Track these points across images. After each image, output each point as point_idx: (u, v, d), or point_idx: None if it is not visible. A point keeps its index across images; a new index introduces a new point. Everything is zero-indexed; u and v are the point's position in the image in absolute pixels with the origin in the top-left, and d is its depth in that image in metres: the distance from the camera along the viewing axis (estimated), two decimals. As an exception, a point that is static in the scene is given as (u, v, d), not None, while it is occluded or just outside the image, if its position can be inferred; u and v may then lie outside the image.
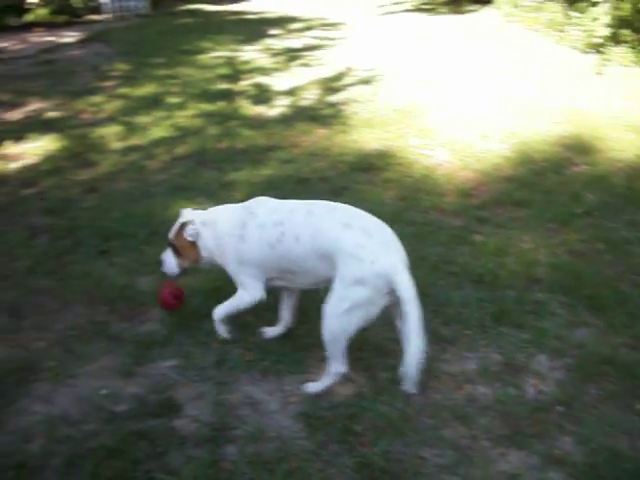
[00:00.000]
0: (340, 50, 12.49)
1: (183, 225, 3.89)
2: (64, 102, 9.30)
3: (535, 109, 8.36)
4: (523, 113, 8.20)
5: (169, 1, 21.17)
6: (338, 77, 10.28)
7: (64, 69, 11.46)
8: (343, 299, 3.39)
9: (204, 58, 11.87)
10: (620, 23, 10.61)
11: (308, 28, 15.34)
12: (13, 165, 7.00)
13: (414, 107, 8.48)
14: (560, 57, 11.37)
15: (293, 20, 16.55)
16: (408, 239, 5.02)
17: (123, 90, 9.78)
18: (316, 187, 6.08)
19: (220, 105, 8.78)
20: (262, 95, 9.34)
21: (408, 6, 18.82)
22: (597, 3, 10.91)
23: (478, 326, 4.17)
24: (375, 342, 4.00)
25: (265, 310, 4.08)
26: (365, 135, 7.49)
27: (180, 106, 8.80)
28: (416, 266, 4.65)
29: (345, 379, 3.70)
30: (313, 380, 3.70)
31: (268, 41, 13.61)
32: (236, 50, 12.65)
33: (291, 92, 9.48)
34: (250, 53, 12.38)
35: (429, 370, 3.75)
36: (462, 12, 17.05)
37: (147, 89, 9.77)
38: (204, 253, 3.91)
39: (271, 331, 4.07)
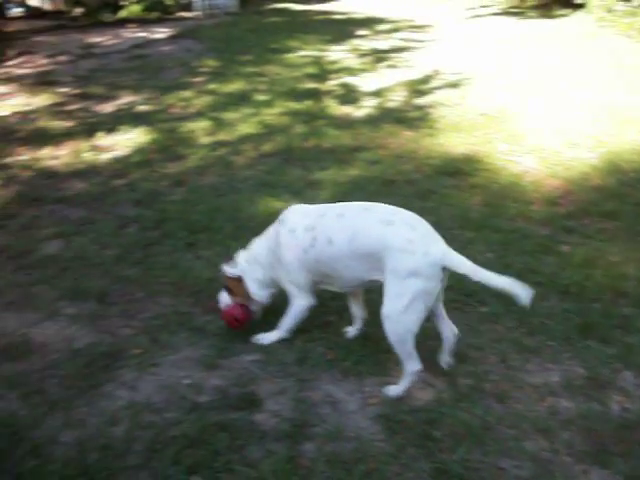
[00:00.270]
0: (428, 52, 12.40)
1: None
2: (154, 96, 9.52)
3: (626, 118, 8.10)
4: (613, 122, 7.97)
5: (257, 0, 21.41)
6: (425, 80, 10.20)
7: (155, 64, 11.71)
8: (401, 295, 3.40)
9: (292, 57, 11.96)
10: None
11: (395, 30, 15.29)
12: (105, 156, 7.19)
13: (502, 112, 8.35)
14: (655, 65, 11.03)
15: (380, 21, 16.52)
16: (493, 246, 5.02)
17: (212, 86, 9.94)
18: (402, 190, 6.04)
19: (307, 104, 8.83)
20: (349, 95, 9.36)
21: (496, 9, 18.53)
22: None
23: (563, 338, 4.07)
24: (458, 348, 3.94)
25: (346, 310, 4.09)
26: (452, 139, 7.42)
27: (267, 104, 8.88)
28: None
29: (425, 384, 3.68)
30: (393, 383, 3.68)
31: (355, 41, 13.61)
32: (323, 50, 12.70)
33: (378, 93, 9.46)
34: (337, 53, 12.41)
35: (511, 380, 3.70)
36: (552, 16, 16.65)
37: (235, 86, 9.90)
38: (253, 288, 4.04)
39: (352, 330, 4.07)
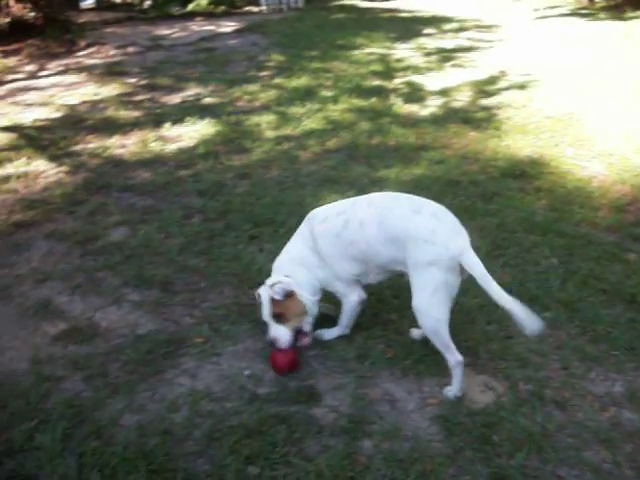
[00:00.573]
0: (494, 53, 12.25)
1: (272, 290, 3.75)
2: (220, 89, 9.61)
3: (700, 125, 7.89)
4: (686, 129, 7.77)
5: (323, -4, 21.47)
6: (492, 80, 10.08)
7: (221, 57, 11.82)
8: (424, 286, 3.46)
9: (358, 54, 11.95)
10: None
11: (462, 29, 15.15)
12: (171, 147, 7.28)
13: (570, 115, 8.20)
14: None
15: (447, 20, 16.40)
16: (558, 251, 4.95)
17: (278, 81, 9.99)
18: (466, 190, 5.99)
19: (372, 101, 8.80)
20: (414, 94, 9.30)
21: (564, 10, 18.17)
22: None
23: (627, 348, 3.97)
24: (518, 352, 3.90)
25: (408, 308, 4.06)
26: (518, 141, 7.31)
27: (333, 100, 8.88)
28: (565, 279, 4.58)
29: (485, 387, 3.64)
30: (451, 384, 3.66)
31: (421, 40, 13.54)
32: (389, 47, 12.67)
33: (443, 92, 9.39)
34: (403, 51, 12.36)
35: (573, 387, 3.64)
36: (624, 18, 16.24)
37: (301, 81, 9.93)
38: (307, 296, 3.82)
39: (417, 332, 4.02)
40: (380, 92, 9.26)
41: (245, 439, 3.27)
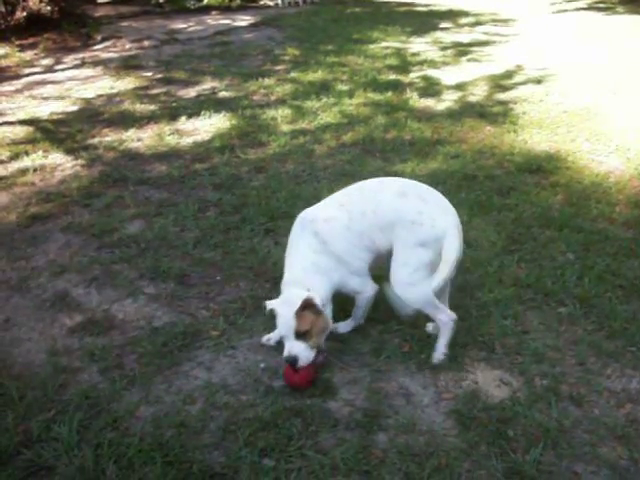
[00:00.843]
0: (511, 47, 12.18)
1: (306, 306, 3.49)
2: (236, 83, 9.61)
3: None
4: None
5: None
6: (508, 75, 10.04)
7: (237, 51, 11.82)
8: (406, 264, 3.56)
9: (373, 48, 11.91)
10: None
11: (478, 23, 15.08)
12: (187, 140, 7.30)
13: (587, 110, 8.16)
14: None
15: (463, 14, 16.33)
16: (574, 246, 4.93)
17: (293, 74, 9.98)
18: (482, 185, 5.97)
19: (388, 95, 8.77)
20: (430, 88, 9.27)
21: (581, 4, 18.02)
22: None
23: (644, 344, 3.97)
24: (534, 347, 3.90)
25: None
26: (534, 136, 7.28)
27: (349, 94, 8.86)
28: (581, 275, 4.56)
29: (500, 382, 3.64)
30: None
31: (437, 34, 13.49)
32: (405, 41, 12.63)
33: (460, 87, 9.35)
34: (419, 45, 12.32)
35: (589, 383, 3.63)
36: (642, 12, 16.17)
37: (317, 75, 9.92)
38: (329, 309, 3.71)
39: (432, 327, 4.02)
40: (396, 86, 9.23)
41: (260, 432, 3.28)
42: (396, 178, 3.94)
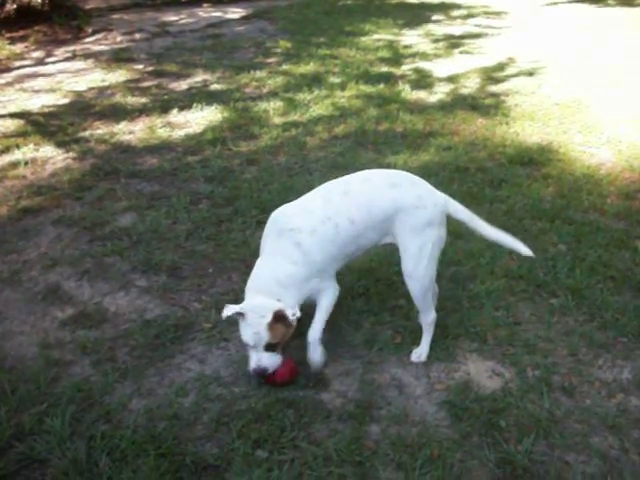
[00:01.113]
0: (503, 39, 12.16)
1: (278, 318, 3.35)
2: (228, 75, 9.57)
3: None
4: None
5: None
6: (500, 67, 10.03)
7: (229, 44, 11.76)
8: (422, 247, 3.54)
9: (365, 40, 11.87)
10: None
11: (470, 15, 15.03)
12: (178, 133, 7.28)
13: (578, 102, 8.17)
14: None
15: (455, 6, 16.26)
16: (566, 238, 4.96)
17: (285, 67, 9.95)
18: (474, 177, 5.99)
19: (380, 88, 8.76)
20: (423, 80, 9.26)
21: (574, -4, 18.05)
22: None
23: (635, 334, 3.99)
24: (526, 338, 3.93)
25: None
26: (526, 128, 7.29)
27: (340, 86, 8.84)
28: (573, 266, 4.58)
29: (492, 373, 3.66)
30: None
31: (429, 26, 13.44)
32: (397, 34, 12.59)
33: (452, 79, 9.34)
34: (411, 38, 12.28)
35: (580, 374, 3.66)
36: (633, 5, 16.01)
37: (308, 67, 9.89)
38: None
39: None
40: (388, 78, 9.22)
41: (253, 423, 3.30)
42: (371, 171, 3.84)
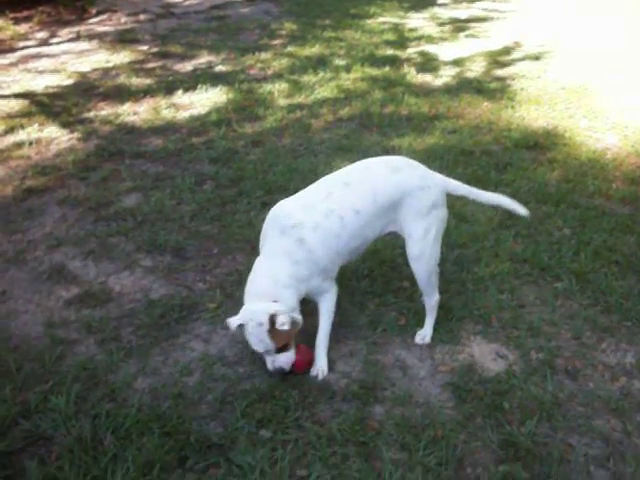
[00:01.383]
0: (509, 23, 12.07)
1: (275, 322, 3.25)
2: (233, 57, 9.54)
3: None
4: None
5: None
6: (506, 51, 9.98)
7: (233, 25, 11.70)
8: (428, 229, 3.53)
9: (371, 23, 11.80)
10: None
11: (476, -1, 14.96)
12: (183, 114, 7.26)
13: (584, 87, 8.13)
14: None
15: (461, -10, 16.18)
16: (571, 222, 4.95)
17: (290, 49, 9.91)
18: (479, 160, 5.97)
19: (385, 71, 8.72)
20: (428, 64, 9.22)
21: (581, -19, 17.91)
22: None
23: (639, 318, 3.99)
24: (530, 321, 3.94)
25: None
26: (532, 112, 7.26)
27: (346, 68, 8.81)
28: (577, 250, 4.58)
29: (496, 355, 3.68)
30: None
31: (435, 10, 13.35)
32: (403, 17, 12.51)
33: (457, 63, 9.30)
34: (417, 21, 12.21)
35: (584, 357, 3.67)
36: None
37: (314, 50, 9.86)
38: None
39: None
40: (393, 61, 9.18)
41: (257, 403, 3.32)
42: (369, 160, 3.73)
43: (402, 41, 10.54)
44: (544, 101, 7.63)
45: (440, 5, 13.95)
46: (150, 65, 9.27)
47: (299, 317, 3.37)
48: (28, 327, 3.91)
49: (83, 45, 10.47)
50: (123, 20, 12.32)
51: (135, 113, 7.30)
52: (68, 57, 9.75)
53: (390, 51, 9.86)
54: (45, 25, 11.84)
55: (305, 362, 3.52)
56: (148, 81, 8.43)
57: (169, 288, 4.26)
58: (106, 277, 4.39)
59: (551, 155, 6.18)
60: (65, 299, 4.17)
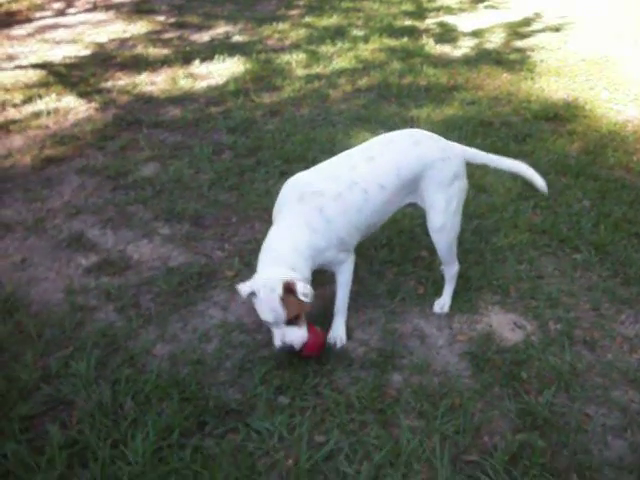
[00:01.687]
0: (529, -6, 11.97)
1: (290, 290, 3.10)
2: (250, 27, 9.50)
3: None
4: None
5: None
6: (525, 22, 9.88)
7: (251, -4, 11.65)
8: (450, 201, 3.51)
9: (389, -7, 11.72)
10: None
11: (496, -31, 14.78)
12: (201, 84, 7.24)
13: (605, 59, 8.05)
14: None
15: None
16: (590, 194, 4.91)
17: (308, 19, 9.86)
18: (498, 131, 5.93)
19: (404, 41, 8.67)
20: (447, 34, 9.15)
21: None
22: None
23: (659, 291, 3.98)
24: (548, 292, 3.92)
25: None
26: (552, 84, 7.20)
27: (364, 39, 8.76)
28: (597, 222, 4.55)
29: (514, 325, 3.67)
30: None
31: (454, -20, 13.24)
32: (421, -13, 12.41)
33: (476, 34, 9.21)
34: (436, -9, 12.11)
35: (603, 328, 3.65)
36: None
37: (332, 20, 9.80)
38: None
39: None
40: (412, 32, 9.11)
41: (276, 370, 3.32)
42: (391, 134, 3.66)
43: (420, 12, 10.46)
44: (564, 73, 7.56)
45: (459, -24, 13.79)
46: (167, 35, 9.24)
47: (312, 290, 3.20)
48: (48, 294, 3.93)
49: (100, 15, 10.45)
50: (140, -10, 12.27)
51: (153, 83, 7.29)
52: (85, 27, 9.73)
53: (408, 22, 9.79)
54: (61, -5, 11.81)
55: (317, 345, 3.33)
56: (165, 51, 8.41)
57: (187, 256, 4.27)
58: (125, 245, 4.40)
59: (571, 127, 6.13)
60: (84, 267, 4.19)
